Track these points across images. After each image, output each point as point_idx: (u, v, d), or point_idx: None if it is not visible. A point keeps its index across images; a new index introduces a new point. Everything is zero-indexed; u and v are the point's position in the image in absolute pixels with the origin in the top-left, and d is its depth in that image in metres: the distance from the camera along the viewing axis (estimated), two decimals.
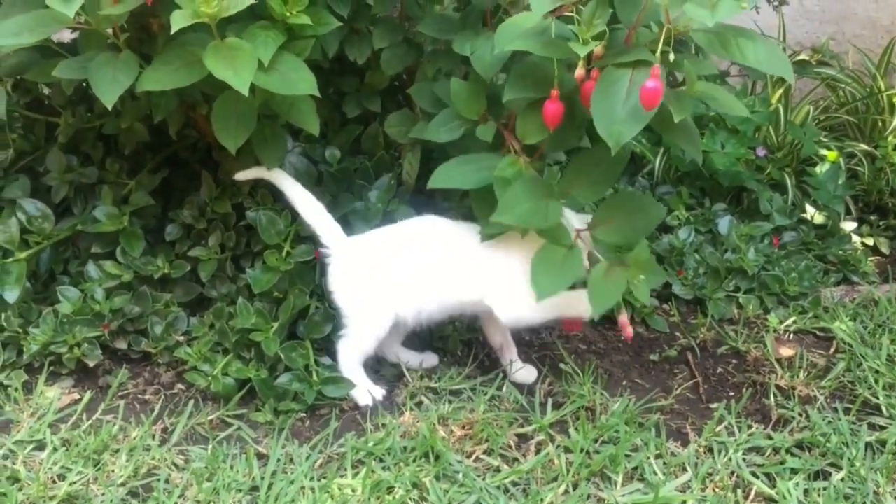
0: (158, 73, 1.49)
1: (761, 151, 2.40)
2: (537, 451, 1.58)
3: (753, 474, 1.53)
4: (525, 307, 1.63)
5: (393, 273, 1.67)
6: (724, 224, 2.21)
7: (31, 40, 1.47)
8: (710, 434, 1.62)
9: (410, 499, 1.45)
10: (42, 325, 1.73)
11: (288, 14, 1.51)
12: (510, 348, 1.79)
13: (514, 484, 1.50)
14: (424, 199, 1.86)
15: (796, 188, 2.39)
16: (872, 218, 2.48)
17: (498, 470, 1.53)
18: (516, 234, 1.61)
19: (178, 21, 1.39)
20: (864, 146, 2.56)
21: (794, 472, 1.54)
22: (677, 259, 2.12)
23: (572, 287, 1.58)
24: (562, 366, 1.80)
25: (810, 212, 2.34)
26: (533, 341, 1.91)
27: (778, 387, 1.78)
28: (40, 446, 1.56)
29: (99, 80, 1.48)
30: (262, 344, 1.68)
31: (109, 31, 1.52)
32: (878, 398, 1.74)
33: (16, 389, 1.68)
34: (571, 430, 1.62)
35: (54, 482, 1.48)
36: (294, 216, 1.75)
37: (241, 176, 1.74)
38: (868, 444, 1.60)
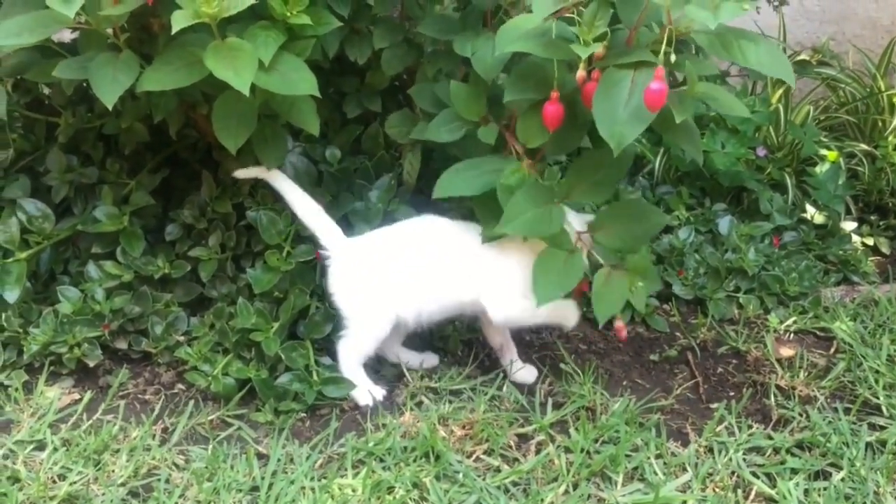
0: (159, 73, 1.49)
1: (761, 151, 2.40)
2: (538, 451, 1.58)
3: (754, 474, 1.53)
4: (516, 307, 1.64)
5: (393, 274, 1.67)
6: (724, 224, 2.21)
7: (32, 40, 1.47)
8: (710, 434, 1.62)
9: (411, 499, 1.45)
10: (42, 325, 1.73)
11: (288, 14, 1.51)
12: (510, 348, 1.79)
13: (515, 484, 1.50)
14: (425, 199, 1.86)
15: (796, 188, 2.39)
16: (872, 218, 2.47)
17: (498, 470, 1.53)
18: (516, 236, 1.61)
19: (178, 21, 1.39)
20: (864, 146, 2.56)
21: (794, 472, 1.54)
22: (677, 259, 2.12)
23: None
24: (562, 366, 1.80)
25: (810, 212, 2.34)
26: (533, 341, 1.91)
27: (778, 387, 1.78)
28: (41, 446, 1.56)
29: (99, 80, 1.48)
30: (263, 344, 1.68)
31: (110, 31, 1.52)
32: (878, 398, 1.74)
33: (16, 389, 1.68)
34: (572, 430, 1.62)
35: (55, 482, 1.48)
36: (294, 216, 1.75)
37: (241, 174, 1.73)
38: (868, 444, 1.60)
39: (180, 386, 1.73)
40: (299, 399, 1.66)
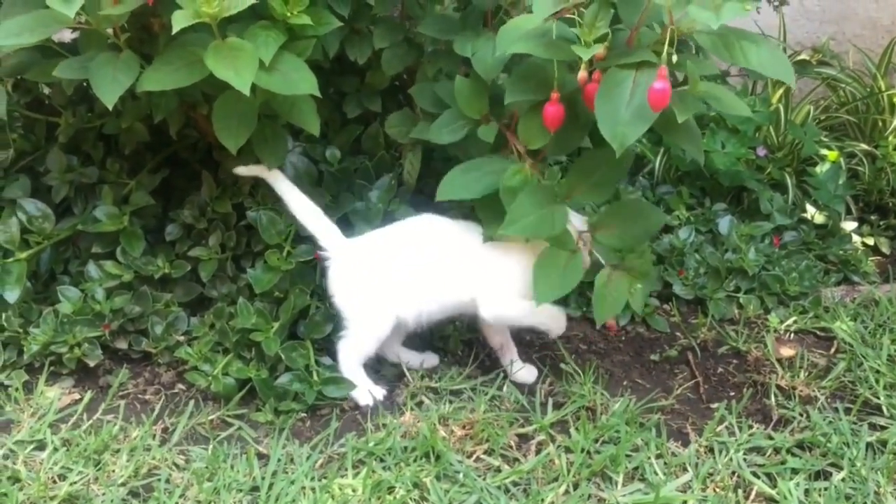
0: (159, 73, 1.49)
1: (762, 151, 2.40)
2: (538, 451, 1.58)
3: (754, 474, 1.53)
4: (508, 305, 1.65)
5: (392, 274, 1.67)
6: (724, 224, 2.21)
7: (32, 40, 1.47)
8: (710, 434, 1.62)
9: (411, 499, 1.45)
10: (42, 324, 1.73)
11: (289, 14, 1.51)
12: (510, 348, 1.79)
13: (515, 484, 1.50)
14: (425, 199, 1.86)
15: (797, 188, 2.38)
16: (873, 218, 2.47)
17: (498, 470, 1.53)
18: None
19: (179, 21, 1.39)
20: (864, 146, 2.56)
21: (794, 472, 1.54)
22: (678, 259, 2.12)
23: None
24: (562, 366, 1.80)
25: (811, 212, 2.34)
26: (533, 341, 1.91)
27: (778, 387, 1.78)
28: (41, 446, 1.56)
29: (99, 79, 1.48)
30: (263, 344, 1.68)
31: (110, 31, 1.52)
32: (878, 398, 1.73)
33: (16, 389, 1.68)
34: (572, 430, 1.62)
35: (55, 482, 1.48)
36: (293, 217, 1.75)
37: (242, 170, 1.73)
38: (869, 445, 1.60)
39: (180, 386, 1.73)
40: (299, 399, 1.66)
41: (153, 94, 1.63)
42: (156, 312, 1.77)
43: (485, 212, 1.63)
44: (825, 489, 1.50)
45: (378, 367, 1.78)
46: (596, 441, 1.59)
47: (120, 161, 1.91)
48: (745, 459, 1.57)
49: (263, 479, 1.48)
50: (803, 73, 2.52)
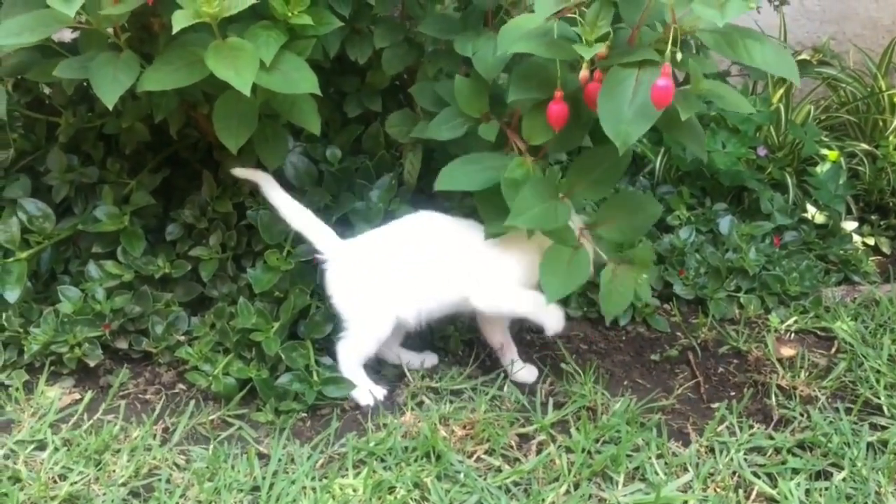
0: (159, 73, 1.49)
1: (762, 151, 2.39)
2: (538, 451, 1.58)
3: (755, 474, 1.53)
4: (499, 294, 1.66)
5: (391, 273, 1.67)
6: (724, 224, 2.21)
7: (32, 40, 1.47)
8: (711, 434, 1.62)
9: (412, 499, 1.45)
10: (43, 324, 1.72)
11: (289, 14, 1.51)
12: (510, 348, 1.79)
13: (516, 484, 1.50)
14: (425, 199, 1.86)
15: (797, 188, 2.38)
16: (873, 218, 2.47)
17: (499, 470, 1.53)
18: (514, 232, 1.61)
19: (179, 21, 1.39)
20: (864, 146, 2.56)
21: (795, 472, 1.54)
22: (678, 259, 2.12)
23: None
24: (563, 366, 1.80)
25: (811, 211, 2.34)
26: (534, 341, 1.91)
27: (779, 387, 1.77)
28: (41, 446, 1.56)
29: (100, 79, 1.48)
30: (263, 344, 1.68)
31: (110, 30, 1.52)
32: (879, 398, 1.73)
33: (17, 389, 1.68)
34: (573, 430, 1.62)
35: (55, 482, 1.48)
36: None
37: (239, 172, 1.73)
38: (869, 445, 1.60)
39: (181, 386, 1.73)
40: (300, 399, 1.66)
41: (153, 94, 1.63)
42: (156, 312, 1.77)
43: (485, 206, 1.62)
44: (826, 489, 1.50)
45: (378, 367, 1.78)
46: (597, 441, 1.59)
47: (120, 161, 1.91)
48: (745, 459, 1.57)
49: (264, 479, 1.48)
50: (804, 73, 2.52)
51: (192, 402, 1.67)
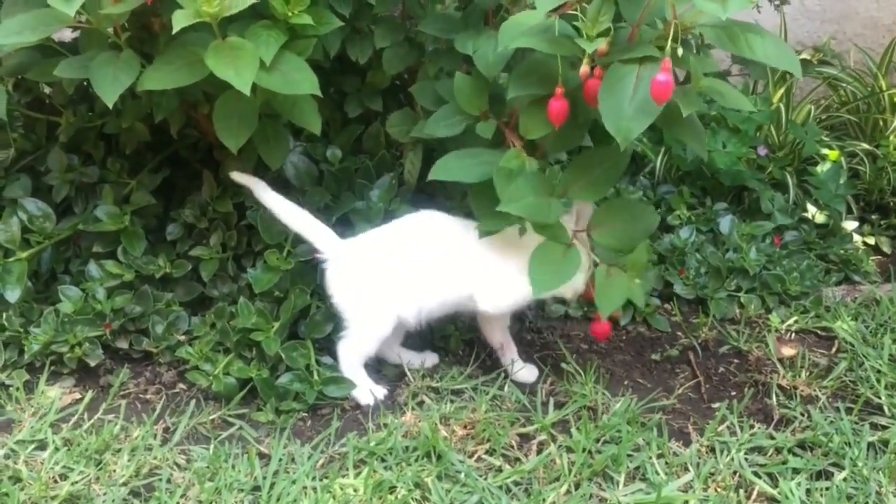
0: (159, 73, 1.49)
1: (762, 151, 2.39)
2: (539, 451, 1.57)
3: (755, 474, 1.53)
4: (507, 297, 1.65)
5: (391, 272, 1.67)
6: (725, 223, 2.21)
7: (33, 39, 1.47)
8: (712, 434, 1.62)
9: (412, 499, 1.45)
10: (43, 324, 1.72)
11: (290, 13, 1.51)
12: (511, 348, 1.79)
13: (516, 484, 1.50)
14: (426, 199, 1.86)
15: (798, 187, 2.38)
16: (874, 217, 2.47)
17: (500, 470, 1.53)
18: (511, 230, 1.61)
19: (179, 20, 1.38)
20: (865, 145, 2.56)
21: (796, 471, 1.54)
22: (679, 258, 2.12)
23: None
24: (563, 365, 1.80)
25: (812, 211, 2.34)
26: (534, 341, 1.91)
27: (780, 386, 1.77)
28: (42, 446, 1.56)
29: (100, 79, 1.48)
30: (264, 343, 1.68)
31: (110, 30, 1.52)
32: (880, 398, 1.73)
33: (17, 389, 1.68)
34: (573, 430, 1.62)
35: (56, 482, 1.48)
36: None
37: (236, 177, 1.73)
38: (870, 444, 1.60)
39: (181, 385, 1.73)
40: (300, 399, 1.66)
41: (154, 94, 1.63)
42: (157, 312, 1.77)
43: (479, 200, 1.61)
44: (827, 489, 1.50)
45: (379, 366, 1.78)
46: (597, 441, 1.59)
47: (121, 160, 1.90)
48: (746, 459, 1.57)
49: (265, 478, 1.48)
50: (804, 73, 2.51)
51: (193, 402, 1.67)
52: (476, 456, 1.56)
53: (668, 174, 2.37)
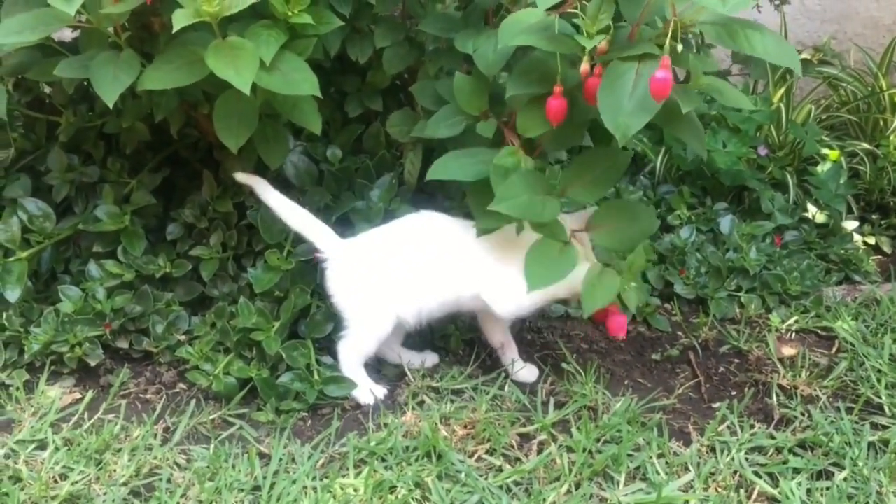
0: (160, 72, 1.49)
1: (763, 150, 2.39)
2: (539, 451, 1.57)
3: (756, 474, 1.53)
4: (520, 300, 1.64)
5: (391, 271, 1.67)
6: (725, 223, 2.21)
7: (33, 39, 1.47)
8: (712, 433, 1.62)
9: (413, 498, 1.45)
10: (43, 324, 1.72)
11: (290, 13, 1.51)
12: (511, 347, 1.79)
13: (517, 483, 1.50)
14: (426, 199, 1.86)
15: (798, 187, 2.38)
16: (874, 217, 2.48)
17: (500, 469, 1.52)
18: (513, 229, 1.61)
19: (179, 20, 1.38)
20: (865, 145, 2.56)
21: (796, 471, 1.54)
22: (679, 258, 2.12)
23: None
24: (564, 365, 1.80)
25: (812, 211, 2.34)
26: (535, 340, 1.91)
27: (780, 386, 1.77)
28: (42, 446, 1.56)
29: (100, 78, 1.48)
30: (264, 343, 1.68)
31: (111, 29, 1.52)
32: (880, 398, 1.73)
33: (17, 389, 1.68)
34: (574, 430, 1.61)
35: (56, 482, 1.48)
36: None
37: (240, 177, 1.73)
38: (871, 444, 1.60)
39: (181, 385, 1.73)
40: (301, 398, 1.66)
41: (154, 93, 1.63)
42: (157, 312, 1.77)
43: (477, 198, 1.61)
44: (827, 489, 1.49)
45: (379, 366, 1.78)
46: (597, 440, 1.59)
47: (121, 160, 1.90)
48: (746, 459, 1.57)
49: (265, 478, 1.48)
50: (805, 73, 2.52)
51: (193, 402, 1.67)
52: (476, 456, 1.55)
53: (668, 174, 2.37)
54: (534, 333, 1.92)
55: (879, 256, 2.37)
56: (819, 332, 1.99)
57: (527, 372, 1.77)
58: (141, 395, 1.71)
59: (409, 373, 1.76)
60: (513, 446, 1.58)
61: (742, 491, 1.49)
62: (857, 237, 2.35)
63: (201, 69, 1.44)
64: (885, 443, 1.61)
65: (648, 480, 1.50)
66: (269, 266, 1.75)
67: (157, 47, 1.55)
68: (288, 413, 1.64)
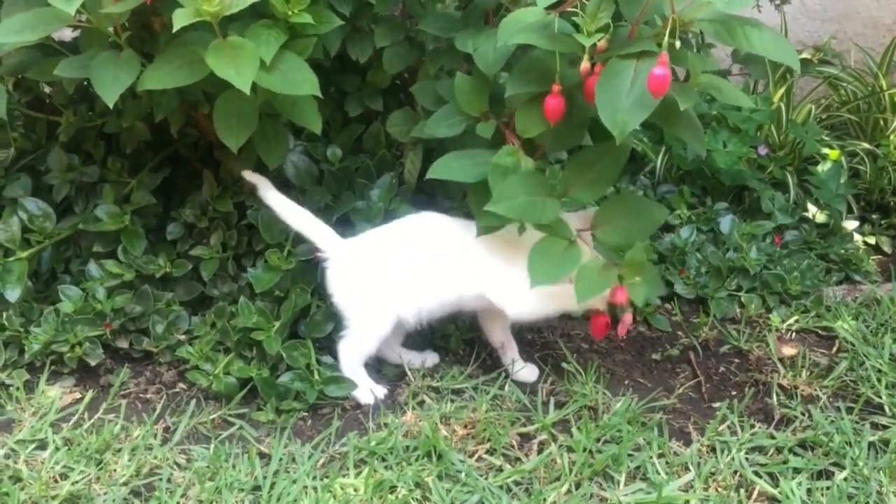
0: (160, 72, 1.49)
1: (763, 150, 2.39)
2: (540, 451, 1.57)
3: (756, 474, 1.53)
4: (531, 301, 1.63)
5: (392, 272, 1.67)
6: (725, 223, 2.20)
7: (33, 38, 1.47)
8: (712, 433, 1.62)
9: (413, 498, 1.45)
10: (43, 324, 1.72)
11: (290, 13, 1.51)
12: (511, 347, 1.79)
13: (517, 483, 1.50)
14: (426, 199, 1.86)
15: (798, 187, 2.38)
16: (874, 217, 2.47)
17: (500, 469, 1.52)
18: (516, 229, 1.61)
19: (179, 19, 1.38)
20: (865, 145, 2.56)
21: (796, 471, 1.54)
22: (679, 258, 2.12)
23: None
24: (564, 365, 1.80)
25: (812, 211, 2.34)
26: (535, 340, 1.91)
27: (780, 386, 1.77)
28: (42, 445, 1.56)
29: (100, 78, 1.48)
30: (264, 343, 1.68)
31: (111, 29, 1.52)
32: (880, 397, 1.73)
33: (17, 388, 1.68)
34: (574, 430, 1.61)
35: (56, 481, 1.48)
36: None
37: (246, 175, 1.73)
38: (871, 444, 1.60)
39: (182, 385, 1.73)
40: (301, 398, 1.66)
41: (154, 93, 1.63)
42: (157, 311, 1.77)
43: (477, 199, 1.60)
44: (827, 489, 1.49)
45: (379, 366, 1.78)
46: (598, 440, 1.59)
47: (121, 160, 1.90)
48: (747, 459, 1.56)
49: (265, 478, 1.48)
50: (805, 72, 2.52)
51: (193, 402, 1.67)
52: (477, 455, 1.55)
53: (668, 173, 2.37)
54: (534, 333, 1.91)
55: (880, 256, 2.37)
56: (819, 331, 1.99)
57: (527, 372, 1.77)
58: (141, 395, 1.71)
59: (409, 372, 1.76)
60: (513, 446, 1.58)
61: (742, 491, 1.49)
62: (857, 237, 2.35)
63: (201, 69, 1.44)
64: (886, 442, 1.61)
65: (649, 480, 1.50)
66: (269, 266, 1.75)
67: (157, 47, 1.55)
68: (288, 413, 1.64)
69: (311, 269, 1.78)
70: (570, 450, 1.57)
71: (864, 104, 2.67)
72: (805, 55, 2.57)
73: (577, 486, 1.49)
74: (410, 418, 1.63)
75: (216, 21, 1.42)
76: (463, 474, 1.50)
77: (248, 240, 1.86)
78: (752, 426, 1.65)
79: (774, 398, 1.74)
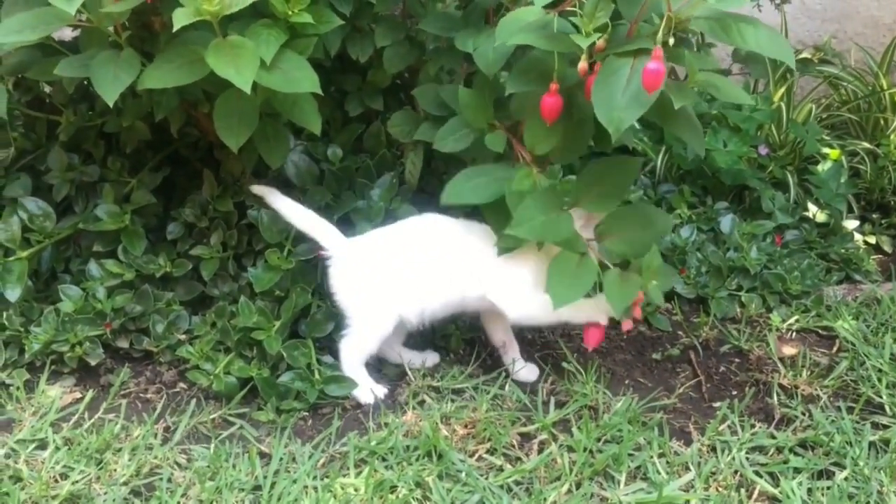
0: (160, 71, 1.49)
1: (763, 150, 2.39)
2: (540, 451, 1.57)
3: (757, 473, 1.53)
4: (534, 305, 1.63)
5: (394, 272, 1.67)
6: (726, 222, 2.20)
7: (33, 38, 1.47)
8: (713, 433, 1.62)
9: (413, 498, 1.45)
10: (44, 323, 1.72)
11: (290, 12, 1.51)
12: (512, 347, 1.79)
13: (517, 483, 1.50)
14: (427, 198, 1.86)
15: (798, 186, 2.38)
16: (875, 216, 2.47)
17: (501, 469, 1.52)
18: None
19: (180, 19, 1.38)
20: (866, 144, 2.56)
21: (797, 471, 1.54)
22: (679, 258, 2.12)
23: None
24: (564, 365, 1.80)
25: (812, 210, 2.34)
26: (535, 340, 1.91)
27: (781, 386, 1.77)
28: (42, 445, 1.56)
29: (100, 78, 1.48)
30: (264, 342, 1.68)
31: (111, 28, 1.52)
32: (881, 397, 1.73)
33: (17, 388, 1.67)
34: (574, 429, 1.61)
35: (56, 481, 1.48)
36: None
37: (255, 189, 1.75)
38: (872, 444, 1.60)
39: (182, 385, 1.73)
40: (301, 398, 1.66)
41: (154, 93, 1.63)
42: (157, 311, 1.77)
43: (493, 216, 1.61)
44: (828, 488, 1.49)
45: (380, 366, 1.78)
46: (598, 440, 1.59)
47: (121, 159, 1.90)
48: (747, 458, 1.56)
49: (265, 478, 1.48)
50: (805, 72, 2.52)
51: (194, 401, 1.67)
52: (477, 455, 1.55)
53: (668, 173, 2.37)
54: (534, 332, 1.91)
55: (880, 256, 2.37)
56: (820, 331, 1.99)
57: (527, 371, 1.77)
58: (141, 395, 1.71)
59: (409, 372, 1.76)
60: (513, 446, 1.58)
61: (743, 490, 1.49)
62: (857, 236, 2.35)
63: (202, 68, 1.43)
64: (886, 442, 1.61)
65: (649, 480, 1.50)
66: (269, 265, 1.75)
67: (157, 46, 1.54)
68: (288, 412, 1.64)
69: (311, 268, 1.78)
70: (570, 449, 1.57)
71: (865, 104, 2.67)
72: (805, 55, 2.57)
73: (578, 485, 1.49)
74: (411, 418, 1.63)
75: (216, 20, 1.42)
76: (463, 474, 1.49)
77: (248, 239, 1.86)
78: (753, 426, 1.65)
79: (775, 398, 1.74)
